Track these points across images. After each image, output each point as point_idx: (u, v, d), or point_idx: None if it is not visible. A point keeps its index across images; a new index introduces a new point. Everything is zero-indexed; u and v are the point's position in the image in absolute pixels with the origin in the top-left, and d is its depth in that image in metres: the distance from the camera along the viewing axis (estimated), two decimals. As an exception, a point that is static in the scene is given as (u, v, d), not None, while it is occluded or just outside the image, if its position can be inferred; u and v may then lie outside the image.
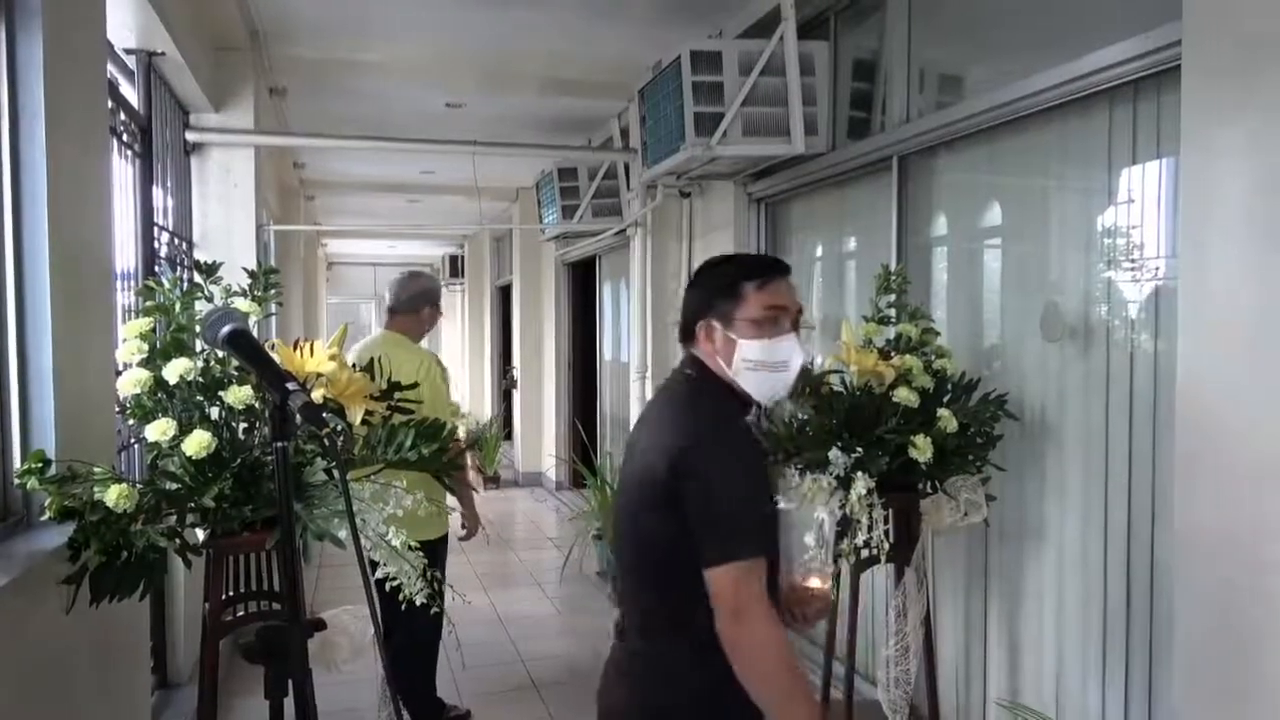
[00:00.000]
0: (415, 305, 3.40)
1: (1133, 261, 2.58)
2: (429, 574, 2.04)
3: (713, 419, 1.59)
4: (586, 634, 4.83)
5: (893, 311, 2.86)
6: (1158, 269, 2.50)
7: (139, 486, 1.88)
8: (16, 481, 1.86)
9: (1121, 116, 2.58)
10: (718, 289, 1.66)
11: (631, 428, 1.74)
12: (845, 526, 2.64)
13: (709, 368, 1.67)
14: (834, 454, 2.56)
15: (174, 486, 1.89)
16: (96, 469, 1.89)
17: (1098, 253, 2.71)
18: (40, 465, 1.83)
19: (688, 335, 1.70)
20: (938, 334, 2.85)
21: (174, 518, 1.94)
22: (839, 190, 4.01)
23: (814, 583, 1.75)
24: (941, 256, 3.42)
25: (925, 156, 3.38)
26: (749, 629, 1.47)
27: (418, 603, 2.02)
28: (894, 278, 2.88)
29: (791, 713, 1.49)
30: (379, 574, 1.96)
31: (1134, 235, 2.58)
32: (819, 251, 4.30)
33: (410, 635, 3.05)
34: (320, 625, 1.57)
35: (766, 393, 1.66)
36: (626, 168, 5.88)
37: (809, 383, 2.73)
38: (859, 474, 2.55)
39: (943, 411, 2.62)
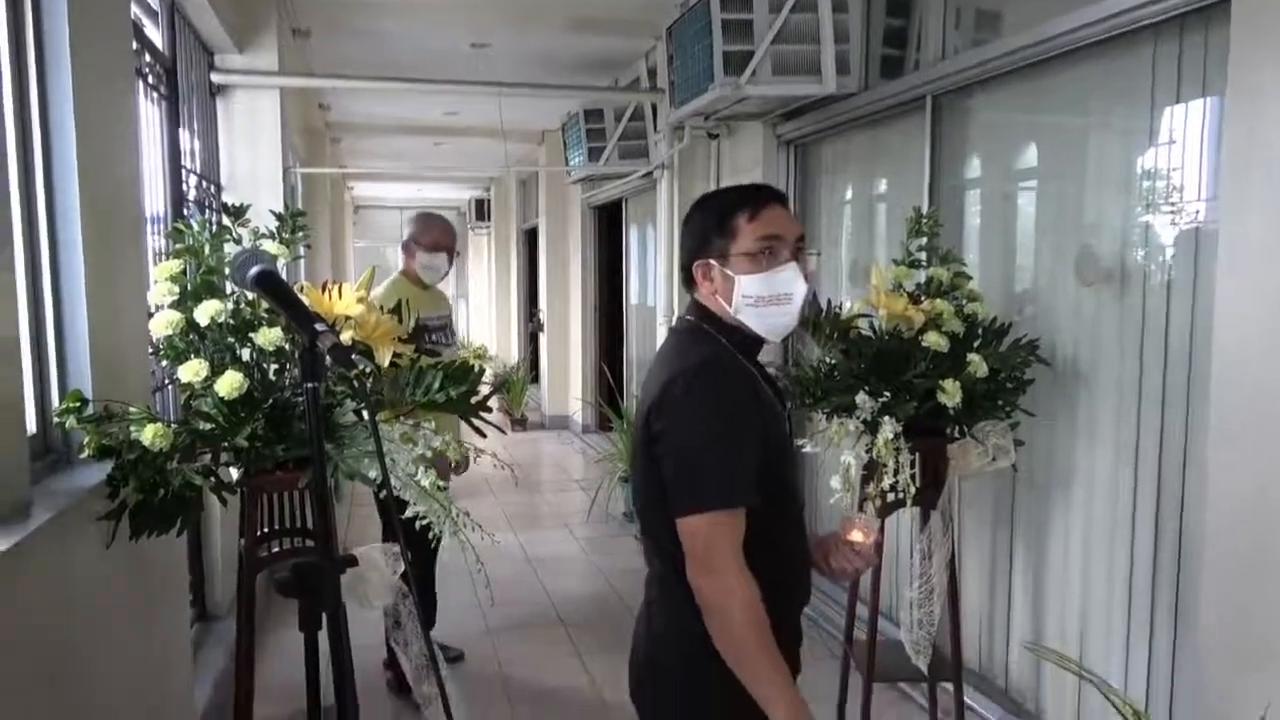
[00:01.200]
0: (404, 245, 3.70)
1: (1172, 204, 2.52)
2: (457, 513, 2.06)
3: (697, 364, 1.50)
4: (612, 574, 4.90)
5: (924, 255, 2.82)
6: (1198, 212, 2.44)
7: (174, 426, 1.91)
8: (55, 420, 1.90)
9: (1166, 53, 2.49)
10: (710, 226, 1.57)
11: None
12: (871, 470, 2.64)
13: (710, 310, 1.60)
14: (861, 398, 2.55)
15: (208, 426, 1.92)
16: (132, 409, 1.93)
17: (1136, 195, 2.64)
18: (78, 405, 1.86)
19: (688, 279, 1.64)
20: (969, 278, 2.81)
21: (208, 456, 1.98)
22: (871, 131, 3.94)
23: (855, 536, 1.64)
24: (975, 199, 3.35)
25: (960, 96, 3.30)
26: (716, 583, 1.42)
27: (444, 541, 2.05)
28: (925, 220, 2.83)
29: (756, 680, 1.41)
30: (408, 513, 1.99)
31: (1174, 177, 2.52)
32: (849, 194, 4.23)
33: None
34: (352, 561, 1.60)
35: (773, 328, 1.57)
36: (654, 109, 5.80)
37: (837, 327, 2.71)
38: (886, 418, 2.54)
39: (973, 356, 2.59)
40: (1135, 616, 2.65)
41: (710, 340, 1.57)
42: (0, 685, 1.45)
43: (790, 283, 1.55)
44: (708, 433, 1.45)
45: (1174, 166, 2.51)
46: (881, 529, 1.68)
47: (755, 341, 1.61)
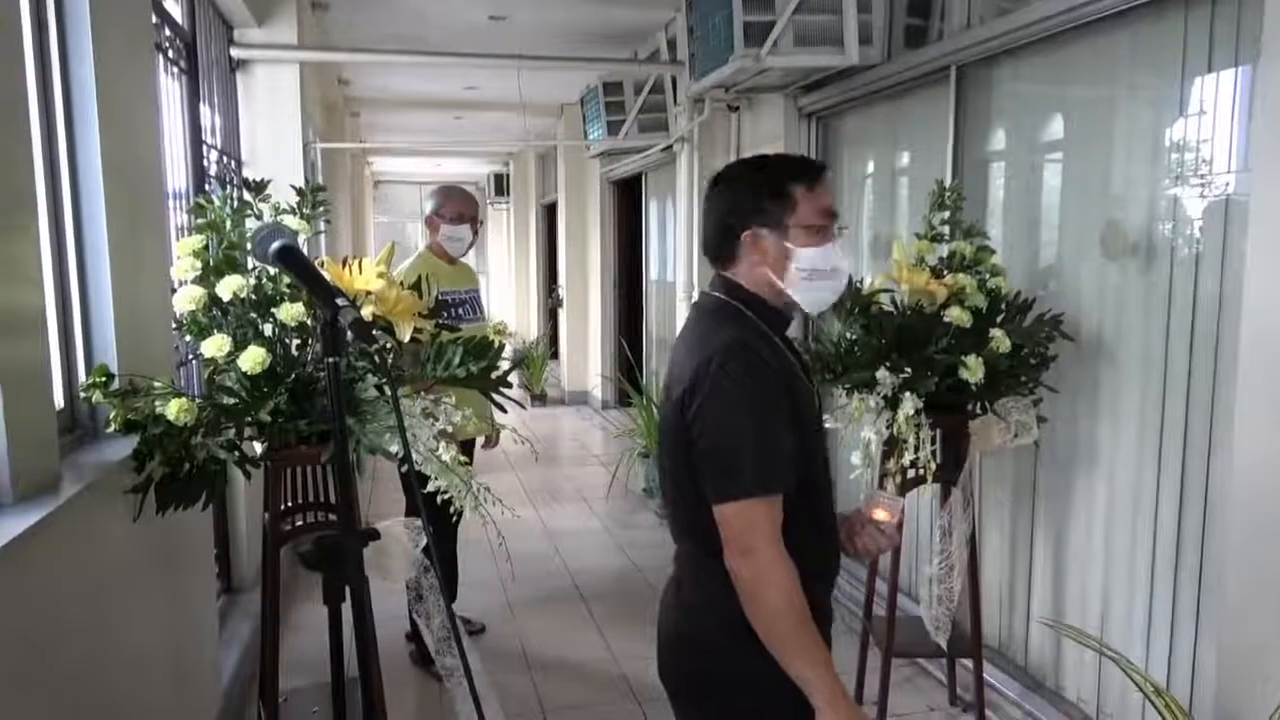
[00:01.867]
0: (426, 219, 3.66)
1: (1201, 177, 2.48)
2: (477, 487, 2.08)
3: (727, 345, 1.45)
4: (632, 549, 4.93)
5: (946, 229, 2.79)
6: (1227, 184, 2.39)
7: (198, 401, 1.93)
8: (82, 395, 1.92)
9: (1198, 20, 2.44)
10: (764, 194, 1.50)
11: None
12: (892, 447, 2.64)
13: (739, 284, 1.55)
14: (881, 374, 2.54)
15: (231, 401, 1.94)
16: (157, 383, 1.95)
17: (1164, 167, 2.60)
18: (104, 379, 1.88)
19: (723, 248, 1.55)
20: (993, 252, 2.78)
21: (232, 431, 2.00)
22: (894, 103, 3.88)
23: (880, 515, 1.63)
24: (999, 171, 3.31)
25: (985, 66, 3.24)
26: (753, 568, 1.40)
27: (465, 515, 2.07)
28: (949, 194, 2.80)
29: (795, 661, 1.40)
30: (429, 487, 2.00)
31: (1203, 149, 2.47)
32: (871, 167, 4.19)
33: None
34: (374, 535, 1.62)
35: (816, 301, 1.55)
36: (673, 81, 5.75)
37: (858, 302, 2.69)
38: (907, 394, 2.52)
39: (995, 331, 2.57)
40: (1158, 596, 2.63)
41: (738, 318, 1.54)
42: (31, 652, 1.48)
43: (840, 258, 1.54)
44: (744, 417, 1.43)
45: (1204, 138, 2.46)
46: (902, 509, 1.68)
47: (784, 318, 1.58)
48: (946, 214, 2.79)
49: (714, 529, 1.45)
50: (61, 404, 1.93)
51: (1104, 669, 2.81)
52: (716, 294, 1.59)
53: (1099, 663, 2.83)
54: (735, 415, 1.43)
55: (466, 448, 3.45)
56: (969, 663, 2.92)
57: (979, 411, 2.72)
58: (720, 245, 1.57)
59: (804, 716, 1.40)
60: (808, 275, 1.51)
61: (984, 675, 2.93)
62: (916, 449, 2.61)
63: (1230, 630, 2.18)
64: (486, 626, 3.85)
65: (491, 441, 3.74)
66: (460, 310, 3.49)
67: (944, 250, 2.79)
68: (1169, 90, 2.56)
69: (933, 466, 2.60)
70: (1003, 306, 2.69)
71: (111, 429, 1.90)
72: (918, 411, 2.53)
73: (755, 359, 1.46)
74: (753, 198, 1.52)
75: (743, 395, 1.43)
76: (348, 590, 1.51)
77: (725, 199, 1.56)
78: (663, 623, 1.67)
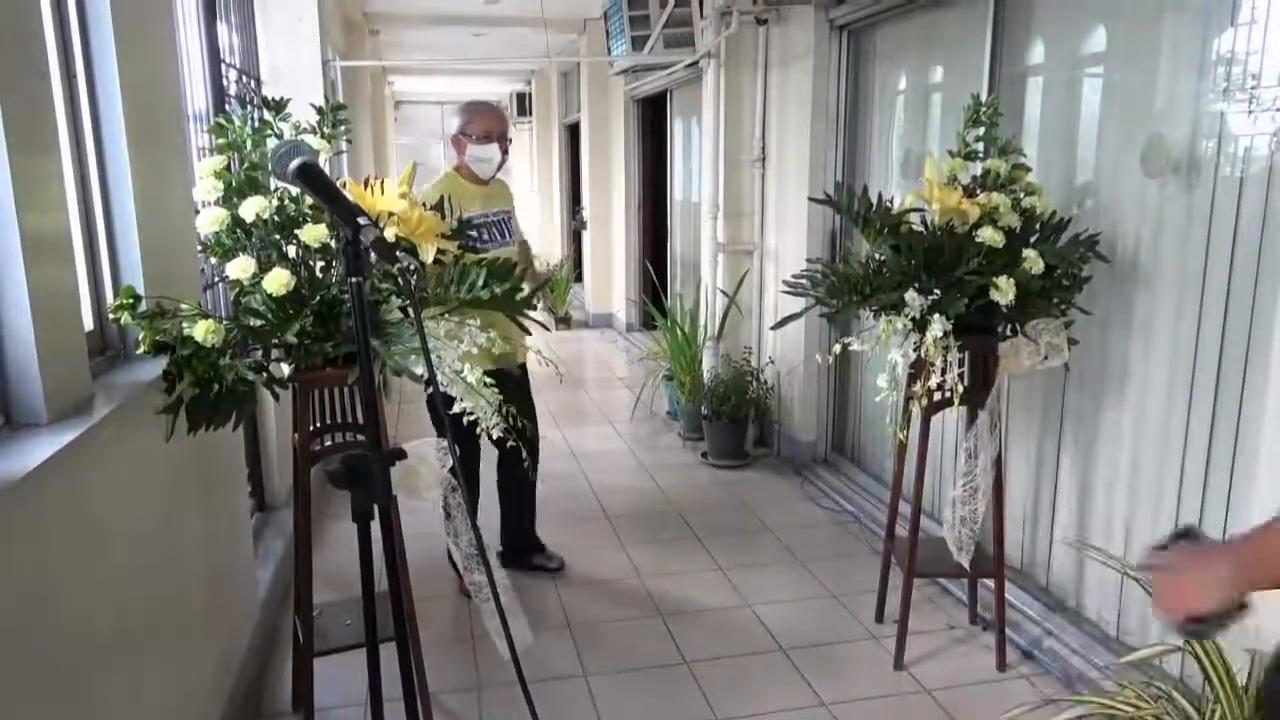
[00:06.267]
0: (452, 139, 3.45)
1: (1249, 91, 2.38)
2: (504, 408, 2.09)
3: None
4: (656, 469, 4.98)
5: (981, 146, 2.71)
6: (1275, 100, 2.30)
7: (225, 323, 1.95)
8: (111, 316, 1.94)
9: (1255, -78, 2.31)
10: None
11: None
12: (919, 369, 2.61)
13: None
14: (910, 295, 2.50)
15: (257, 323, 1.95)
16: (184, 305, 1.96)
17: (1210, 81, 2.49)
18: (131, 301, 1.90)
19: None
20: (1028, 170, 2.71)
21: (260, 352, 2.01)
22: (929, 14, 3.74)
23: None
24: (1037, 86, 3.19)
25: (1026, -26, 3.11)
26: None
27: (494, 435, 2.09)
28: (984, 109, 2.71)
29: None
30: (455, 408, 2.02)
31: (1252, 62, 2.36)
32: (904, 83, 4.06)
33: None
34: (401, 455, 1.63)
35: None
36: (700, -7, 5.57)
37: (887, 222, 2.64)
38: (936, 316, 2.49)
39: (1028, 252, 2.51)
40: (1183, 520, 2.62)
41: None
42: (72, 570, 1.52)
43: None
44: None
45: (1253, 50, 2.36)
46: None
47: None
48: (981, 130, 2.71)
49: None
50: (91, 326, 1.94)
51: (1126, 590, 2.83)
52: None
53: (1121, 583, 2.84)
54: None
55: (503, 380, 3.32)
56: (990, 582, 2.94)
57: (1009, 333, 2.68)
58: None
59: None
60: None
61: (1005, 594, 2.95)
62: (944, 371, 2.59)
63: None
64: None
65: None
66: (486, 233, 3.40)
67: (977, 168, 2.72)
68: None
69: (960, 389, 2.58)
70: (1037, 226, 2.63)
71: (141, 350, 1.92)
72: (946, 334, 2.50)
73: None
74: None
75: None
76: (375, 508, 1.53)
77: None
78: None
